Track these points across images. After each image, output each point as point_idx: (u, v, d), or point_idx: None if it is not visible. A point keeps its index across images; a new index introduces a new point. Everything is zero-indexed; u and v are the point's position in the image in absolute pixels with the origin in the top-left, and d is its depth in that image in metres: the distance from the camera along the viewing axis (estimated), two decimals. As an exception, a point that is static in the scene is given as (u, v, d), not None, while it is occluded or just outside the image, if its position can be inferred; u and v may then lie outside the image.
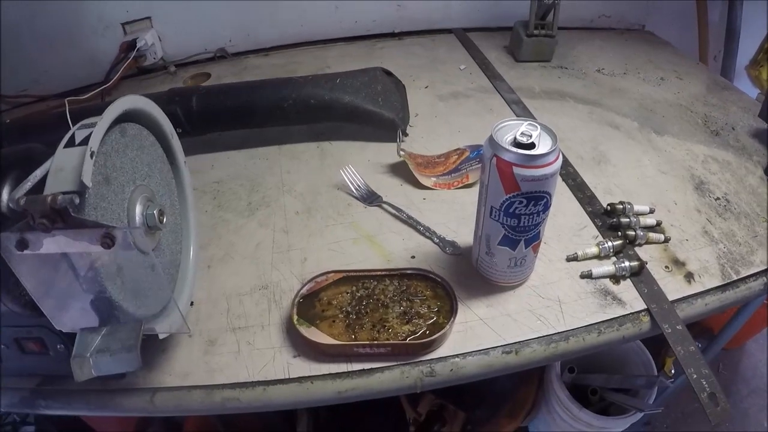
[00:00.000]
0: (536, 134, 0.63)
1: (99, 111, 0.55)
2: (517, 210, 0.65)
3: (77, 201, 0.47)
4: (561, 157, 0.64)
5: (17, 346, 0.63)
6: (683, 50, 1.52)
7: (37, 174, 0.52)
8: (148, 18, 1.36)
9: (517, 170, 0.62)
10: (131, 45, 1.31)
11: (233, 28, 1.46)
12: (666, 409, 1.77)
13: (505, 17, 1.52)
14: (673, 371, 1.78)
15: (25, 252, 0.47)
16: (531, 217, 0.66)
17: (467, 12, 1.58)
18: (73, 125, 0.55)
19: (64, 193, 0.47)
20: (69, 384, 0.67)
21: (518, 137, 0.63)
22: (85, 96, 1.17)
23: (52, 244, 0.47)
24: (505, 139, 0.64)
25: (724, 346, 1.67)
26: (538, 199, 0.64)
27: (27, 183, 0.51)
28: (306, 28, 1.50)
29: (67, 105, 0.94)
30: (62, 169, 0.49)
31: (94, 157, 0.50)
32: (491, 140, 0.64)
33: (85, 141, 0.51)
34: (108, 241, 0.46)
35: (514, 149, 0.62)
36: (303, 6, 1.45)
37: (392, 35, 1.57)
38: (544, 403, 1.52)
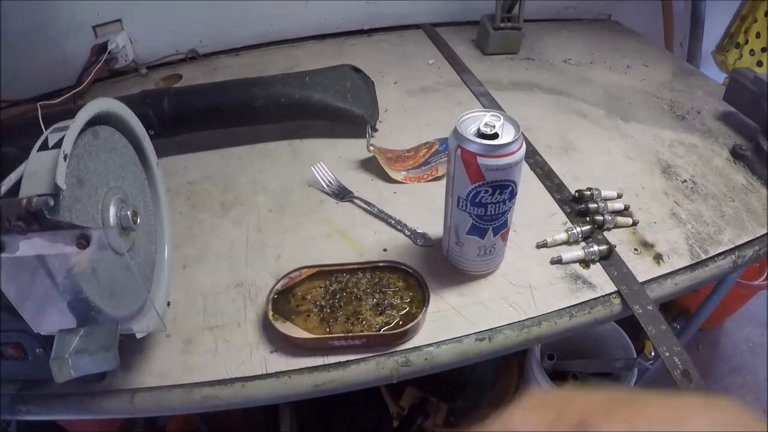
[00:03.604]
0: (499, 124, 0.65)
1: (71, 115, 0.55)
2: (484, 199, 0.66)
3: (52, 203, 0.48)
4: (524, 145, 0.65)
5: (-4, 352, 0.63)
6: (649, 38, 1.55)
7: (12, 178, 0.52)
8: (119, 20, 1.35)
9: (481, 160, 0.63)
10: (102, 48, 1.30)
11: (204, 28, 1.45)
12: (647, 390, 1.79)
13: (473, 11, 1.54)
14: (653, 353, 1.81)
15: (2, 255, 0.48)
16: (497, 205, 0.67)
17: (435, 7, 1.59)
18: (46, 129, 0.55)
19: (38, 195, 0.47)
20: (49, 388, 0.67)
21: (482, 128, 0.64)
22: (58, 100, 1.16)
23: (29, 246, 0.48)
24: (469, 131, 0.65)
25: (703, 326, 1.71)
26: (504, 188, 0.66)
27: (2, 187, 0.51)
28: (276, 27, 1.50)
29: (39, 109, 0.93)
30: (36, 172, 0.50)
31: (67, 160, 0.51)
32: (455, 132, 0.66)
33: (58, 144, 0.51)
34: (83, 241, 0.47)
35: (478, 140, 0.63)
36: (272, 5, 1.45)
37: (361, 32, 1.57)
38: (525, 390, 1.54)
